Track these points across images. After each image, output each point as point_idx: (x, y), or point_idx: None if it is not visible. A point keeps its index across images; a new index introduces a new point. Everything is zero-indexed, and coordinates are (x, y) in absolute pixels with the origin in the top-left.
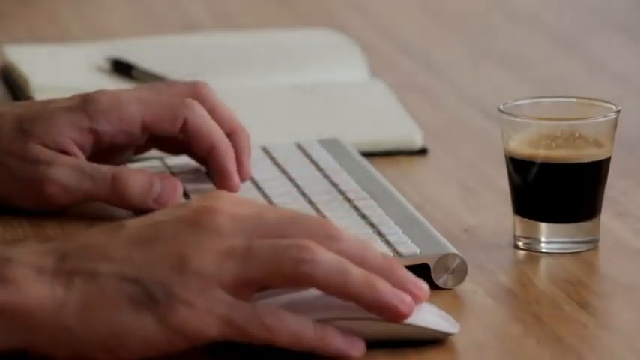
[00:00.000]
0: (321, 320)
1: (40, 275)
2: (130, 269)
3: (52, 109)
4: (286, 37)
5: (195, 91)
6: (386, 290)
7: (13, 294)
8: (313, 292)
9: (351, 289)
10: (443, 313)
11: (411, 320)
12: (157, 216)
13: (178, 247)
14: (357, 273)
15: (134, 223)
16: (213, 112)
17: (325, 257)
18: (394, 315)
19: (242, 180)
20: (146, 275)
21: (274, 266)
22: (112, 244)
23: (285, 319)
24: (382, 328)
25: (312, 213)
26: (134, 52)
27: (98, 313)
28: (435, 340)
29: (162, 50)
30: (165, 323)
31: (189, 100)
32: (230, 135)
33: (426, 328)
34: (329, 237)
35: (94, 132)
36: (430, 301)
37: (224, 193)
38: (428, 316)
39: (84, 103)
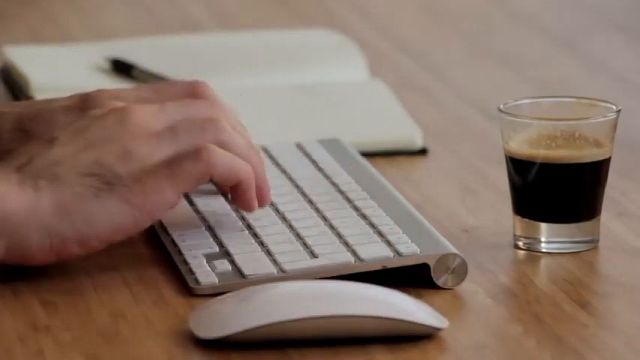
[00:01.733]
0: (318, 318)
1: (8, 184)
2: (84, 167)
3: (51, 108)
4: (286, 37)
5: (194, 90)
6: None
7: None
8: (312, 291)
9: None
10: (432, 310)
11: (404, 317)
12: (79, 124)
13: (116, 142)
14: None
15: (64, 134)
16: None
17: (231, 129)
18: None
19: (262, 206)
20: (99, 169)
21: (197, 136)
22: (56, 153)
23: (219, 153)
24: (376, 325)
25: (312, 213)
26: (134, 52)
27: (70, 206)
28: (427, 335)
29: (162, 50)
30: (127, 202)
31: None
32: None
33: (417, 324)
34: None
35: None
36: (430, 301)
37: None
38: (419, 313)
39: (83, 103)
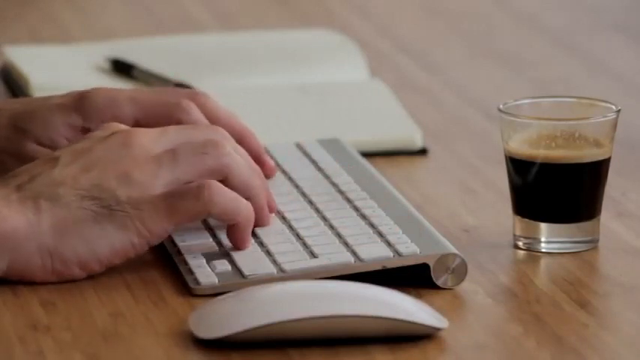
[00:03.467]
0: (318, 318)
1: (8, 203)
2: (85, 190)
3: (47, 106)
4: (286, 37)
5: (194, 101)
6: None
7: None
8: (312, 291)
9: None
10: (432, 310)
11: (404, 317)
12: (82, 144)
13: (117, 165)
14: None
15: (66, 154)
16: (216, 122)
17: (233, 152)
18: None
19: (270, 176)
20: (100, 193)
21: (199, 160)
22: (57, 173)
23: (220, 192)
24: (376, 325)
25: (312, 213)
26: (134, 52)
27: (71, 228)
28: (427, 335)
29: (163, 50)
30: (125, 228)
31: (185, 102)
32: (241, 141)
33: (417, 324)
34: (223, 137)
35: (87, 130)
36: (430, 301)
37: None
38: (419, 313)
39: (78, 102)
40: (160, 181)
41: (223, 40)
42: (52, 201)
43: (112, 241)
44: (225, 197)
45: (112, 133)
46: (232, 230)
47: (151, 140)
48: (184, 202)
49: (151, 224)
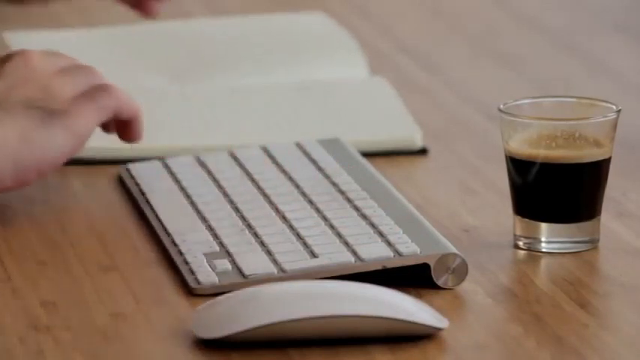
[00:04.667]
0: (318, 318)
1: None
2: (24, 102)
3: None
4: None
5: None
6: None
7: None
8: (312, 291)
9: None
10: (432, 310)
11: (404, 317)
12: None
13: (30, 83)
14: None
15: None
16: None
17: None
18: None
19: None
20: (38, 103)
21: (88, 70)
22: None
23: (121, 91)
24: (376, 325)
25: (312, 213)
26: (133, 39)
27: (31, 134)
28: (427, 335)
29: (159, 38)
30: (67, 130)
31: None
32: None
33: (417, 324)
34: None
35: None
36: (430, 301)
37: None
38: (419, 313)
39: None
40: (75, 87)
41: (222, 35)
42: (7, 112)
43: (59, 144)
44: (126, 94)
45: (8, 55)
46: (131, 126)
47: (46, 59)
48: (102, 98)
49: (84, 123)
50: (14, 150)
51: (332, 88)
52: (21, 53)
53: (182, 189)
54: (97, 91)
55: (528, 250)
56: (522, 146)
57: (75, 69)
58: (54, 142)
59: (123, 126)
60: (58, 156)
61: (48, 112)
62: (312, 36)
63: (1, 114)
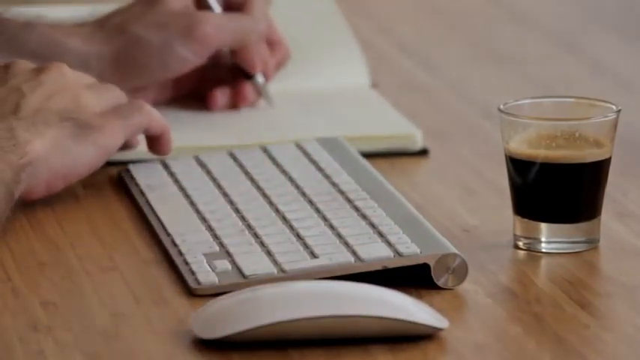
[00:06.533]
0: (318, 318)
1: (27, 127)
2: (59, 112)
3: None
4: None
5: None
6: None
7: (29, 152)
8: (312, 291)
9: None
10: (432, 310)
11: (404, 317)
12: (22, 78)
13: (65, 93)
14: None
15: (25, 86)
16: None
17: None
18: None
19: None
20: (72, 114)
21: (116, 89)
22: (32, 101)
23: (150, 107)
24: (376, 325)
25: (312, 213)
26: None
27: (63, 145)
28: (427, 335)
29: None
30: (94, 144)
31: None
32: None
33: (417, 324)
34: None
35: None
36: (430, 301)
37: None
38: (419, 313)
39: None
40: (103, 102)
41: None
42: (45, 124)
43: (87, 155)
44: (155, 110)
45: (40, 68)
46: (161, 140)
47: (74, 72)
48: (132, 115)
49: (111, 138)
50: (49, 160)
51: (332, 91)
52: (56, 65)
53: (182, 189)
54: (130, 109)
55: (528, 250)
56: (522, 146)
57: (100, 85)
58: (84, 155)
59: (153, 140)
60: (85, 167)
61: (79, 124)
62: (313, 38)
63: (40, 125)
